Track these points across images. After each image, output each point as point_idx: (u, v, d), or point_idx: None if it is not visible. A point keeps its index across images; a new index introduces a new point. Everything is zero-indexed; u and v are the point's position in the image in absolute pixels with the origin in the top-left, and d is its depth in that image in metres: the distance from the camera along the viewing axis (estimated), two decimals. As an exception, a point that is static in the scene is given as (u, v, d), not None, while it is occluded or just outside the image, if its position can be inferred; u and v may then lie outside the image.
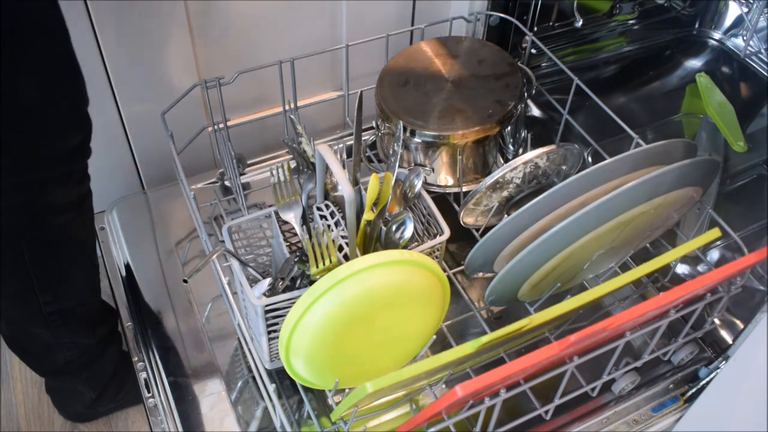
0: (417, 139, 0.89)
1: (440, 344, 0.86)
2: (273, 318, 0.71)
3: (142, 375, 0.89)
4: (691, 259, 0.97)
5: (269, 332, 0.73)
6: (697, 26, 1.34)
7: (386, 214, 0.77)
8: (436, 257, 0.79)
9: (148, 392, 0.88)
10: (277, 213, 0.78)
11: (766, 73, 1.24)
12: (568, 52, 1.26)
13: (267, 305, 0.69)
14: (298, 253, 0.76)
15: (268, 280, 0.73)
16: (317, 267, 0.69)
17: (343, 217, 0.75)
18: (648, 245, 0.91)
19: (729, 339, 0.89)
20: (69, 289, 0.92)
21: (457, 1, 1.10)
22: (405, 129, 0.89)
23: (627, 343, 0.73)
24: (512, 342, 0.77)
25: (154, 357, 0.89)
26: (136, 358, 0.91)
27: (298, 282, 0.74)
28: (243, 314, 0.78)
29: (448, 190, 0.95)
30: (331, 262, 0.69)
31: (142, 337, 0.92)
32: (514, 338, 0.70)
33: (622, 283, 0.70)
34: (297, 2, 1.04)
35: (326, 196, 0.78)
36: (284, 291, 0.72)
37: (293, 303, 0.66)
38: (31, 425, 1.15)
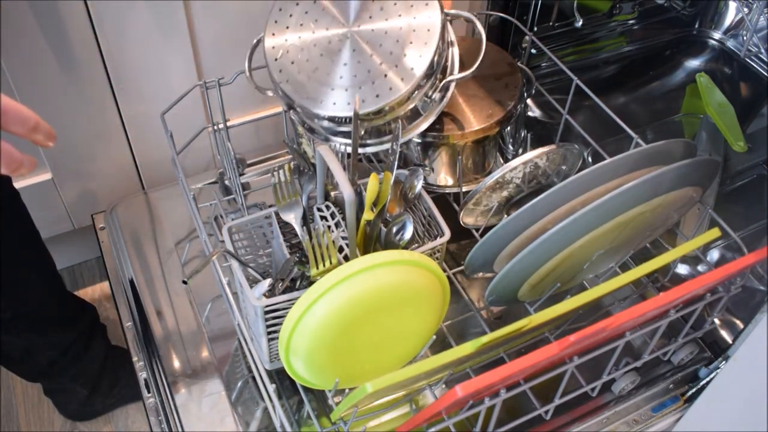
0: (417, 139, 0.89)
1: (440, 344, 0.86)
2: (273, 319, 0.71)
3: (142, 375, 0.89)
4: (691, 259, 0.97)
5: (269, 333, 0.73)
6: (697, 26, 1.34)
7: (386, 215, 0.77)
8: (437, 258, 0.79)
9: (148, 392, 0.88)
10: (277, 214, 0.78)
11: (766, 73, 1.24)
12: (568, 52, 1.26)
13: (267, 306, 0.69)
14: (298, 254, 0.76)
15: (268, 281, 0.72)
16: (317, 268, 0.69)
17: (344, 218, 0.75)
18: (648, 245, 0.91)
19: (729, 339, 0.89)
20: (22, 295, 0.91)
21: (457, 1, 1.10)
22: (405, 129, 0.89)
23: (627, 343, 0.73)
24: (512, 342, 0.77)
25: (154, 357, 0.89)
26: (136, 358, 0.91)
27: (298, 283, 0.74)
28: (243, 314, 0.78)
29: (448, 190, 0.95)
30: (331, 263, 0.69)
31: (142, 337, 0.92)
32: (514, 338, 0.70)
33: (622, 283, 0.70)
34: (297, 2, 1.04)
35: (326, 197, 0.78)
36: (284, 292, 0.72)
37: (293, 304, 0.67)
38: (31, 425, 1.15)
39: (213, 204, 1.00)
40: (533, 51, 1.17)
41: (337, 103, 0.76)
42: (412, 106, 0.78)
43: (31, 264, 0.93)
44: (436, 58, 0.76)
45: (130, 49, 0.99)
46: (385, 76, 0.75)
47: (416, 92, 0.77)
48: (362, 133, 0.79)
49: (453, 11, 0.80)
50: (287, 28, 0.79)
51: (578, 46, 1.26)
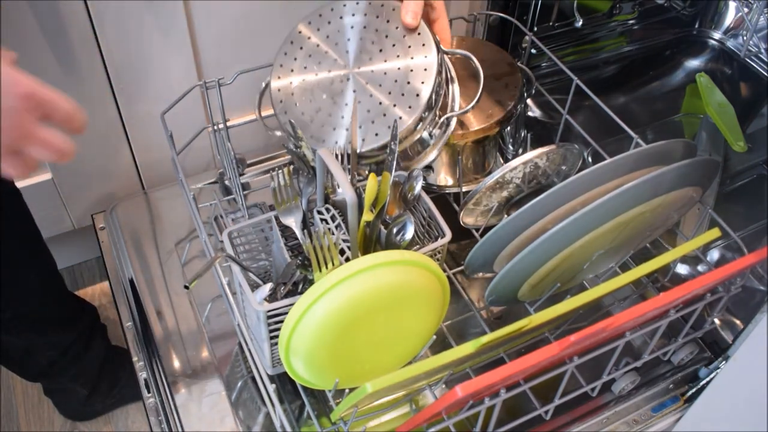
0: (417, 139, 0.89)
1: (440, 344, 0.86)
2: (275, 323, 0.71)
3: (142, 375, 0.89)
4: (691, 259, 0.97)
5: (271, 338, 0.73)
6: (697, 26, 1.34)
7: (386, 217, 0.77)
8: (438, 260, 0.79)
9: (148, 392, 0.88)
10: (277, 218, 0.78)
11: (766, 73, 1.24)
12: (568, 52, 1.26)
13: (269, 311, 0.69)
14: (299, 258, 0.76)
15: (269, 285, 0.72)
16: (320, 271, 0.69)
17: (344, 221, 0.75)
18: (648, 245, 0.91)
19: (729, 339, 0.89)
20: (21, 294, 0.91)
21: (457, 1, 1.10)
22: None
23: (627, 343, 0.73)
24: (512, 342, 0.77)
25: (154, 357, 0.89)
26: (136, 358, 0.91)
27: (300, 287, 0.73)
28: (242, 315, 0.78)
29: (448, 191, 0.95)
30: (333, 265, 0.69)
31: (142, 337, 0.92)
32: (514, 338, 0.70)
33: (622, 283, 0.70)
34: (296, 2, 1.04)
35: (326, 200, 0.78)
36: (286, 296, 0.71)
37: (294, 306, 0.66)
38: (31, 425, 1.15)
39: (213, 204, 1.00)
40: (533, 51, 1.17)
41: (339, 142, 0.78)
42: (414, 140, 0.80)
43: (32, 263, 0.93)
44: (434, 97, 0.78)
45: (130, 49, 0.99)
46: (384, 115, 0.77)
47: (419, 126, 0.79)
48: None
49: (451, 50, 0.82)
50: (292, 71, 0.82)
51: (578, 46, 1.26)
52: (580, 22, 1.20)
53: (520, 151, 1.01)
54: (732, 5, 1.29)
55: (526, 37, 1.00)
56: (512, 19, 1.02)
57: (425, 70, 0.77)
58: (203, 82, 0.88)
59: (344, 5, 0.81)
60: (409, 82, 0.77)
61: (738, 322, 0.91)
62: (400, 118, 0.77)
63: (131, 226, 1.04)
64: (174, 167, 0.85)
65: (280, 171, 0.79)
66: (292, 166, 0.81)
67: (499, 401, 0.66)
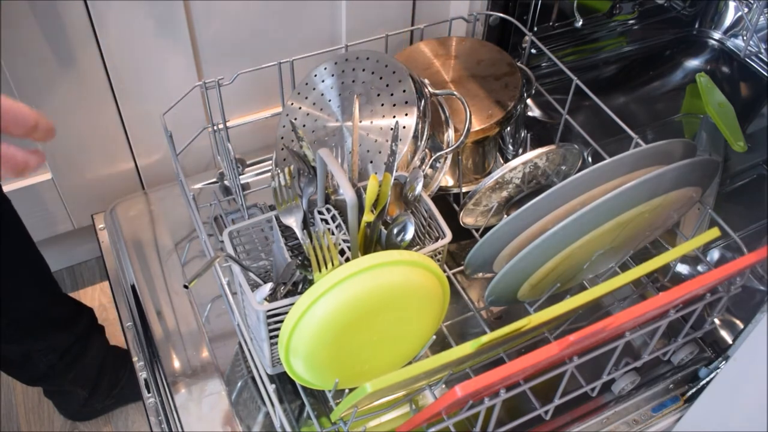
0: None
1: (440, 344, 0.86)
2: (275, 323, 0.71)
3: (142, 375, 0.89)
4: (691, 259, 0.97)
5: (271, 338, 0.73)
6: (697, 26, 1.34)
7: (386, 217, 0.77)
8: (438, 260, 0.79)
9: (148, 392, 0.88)
10: (277, 217, 0.78)
11: (766, 73, 1.24)
12: (568, 52, 1.26)
13: (269, 311, 0.69)
14: (299, 258, 0.76)
15: (269, 285, 0.72)
16: (320, 272, 0.69)
17: (345, 221, 0.75)
18: (648, 245, 0.91)
19: (729, 339, 0.89)
20: (17, 301, 0.91)
21: (457, 1, 1.10)
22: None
23: (627, 343, 0.73)
24: (512, 342, 0.77)
25: (155, 357, 0.89)
26: (136, 358, 0.91)
27: (300, 287, 0.73)
28: (242, 315, 0.78)
29: (448, 191, 0.95)
30: (333, 265, 0.69)
31: (143, 337, 0.92)
32: (514, 338, 0.70)
33: (622, 283, 0.70)
34: (297, 2, 1.04)
35: (327, 200, 0.78)
36: (286, 296, 0.71)
37: (294, 305, 0.66)
38: (31, 425, 1.15)
39: (213, 204, 1.00)
40: (533, 51, 1.17)
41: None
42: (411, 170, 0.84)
43: (25, 270, 0.93)
44: (419, 144, 0.82)
45: (130, 49, 0.99)
46: (380, 152, 0.81)
47: (414, 158, 0.81)
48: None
49: (439, 91, 0.87)
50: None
51: (578, 46, 1.26)
52: (580, 22, 1.20)
53: (520, 151, 1.01)
54: (732, 5, 1.29)
55: (526, 37, 1.00)
56: (512, 20, 1.02)
57: (406, 102, 0.80)
58: (203, 82, 0.88)
59: (315, 75, 0.89)
60: (395, 116, 0.80)
61: (738, 322, 0.91)
62: (404, 127, 0.79)
63: (131, 226, 1.03)
64: (174, 167, 0.85)
65: (281, 171, 0.79)
66: (292, 166, 0.81)
67: (498, 401, 0.66)
